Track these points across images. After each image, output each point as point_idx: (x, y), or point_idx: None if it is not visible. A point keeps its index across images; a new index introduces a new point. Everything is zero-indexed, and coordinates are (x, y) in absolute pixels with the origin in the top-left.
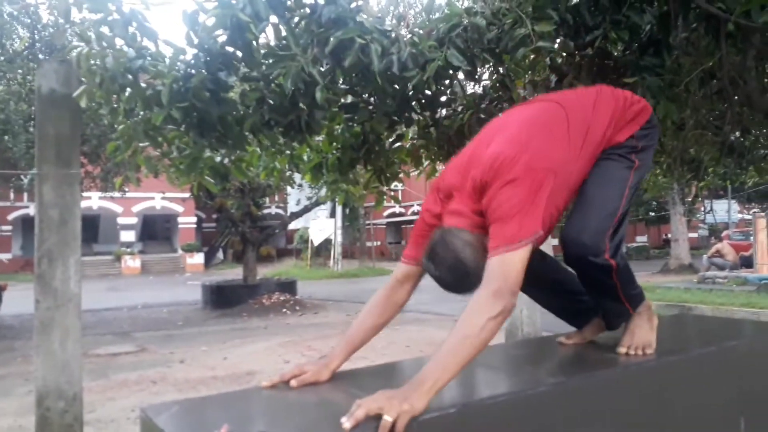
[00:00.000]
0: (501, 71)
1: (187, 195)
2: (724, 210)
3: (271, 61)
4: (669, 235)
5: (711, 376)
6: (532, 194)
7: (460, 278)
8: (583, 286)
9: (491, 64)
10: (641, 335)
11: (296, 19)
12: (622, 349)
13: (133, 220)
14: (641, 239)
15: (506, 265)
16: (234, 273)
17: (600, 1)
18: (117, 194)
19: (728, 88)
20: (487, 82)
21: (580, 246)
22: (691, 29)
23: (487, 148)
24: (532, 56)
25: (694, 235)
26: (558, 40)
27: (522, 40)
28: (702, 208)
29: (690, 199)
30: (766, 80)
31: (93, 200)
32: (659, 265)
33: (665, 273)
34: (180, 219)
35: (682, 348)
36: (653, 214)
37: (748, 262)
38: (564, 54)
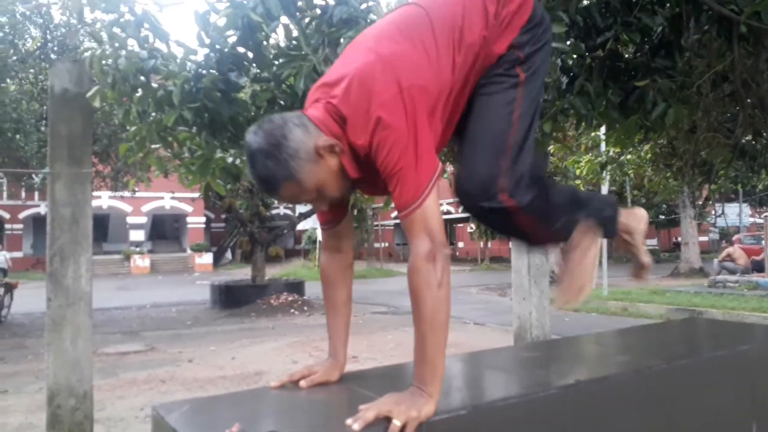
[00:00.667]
0: None
1: (196, 195)
2: (735, 213)
3: (282, 61)
4: (679, 239)
5: (723, 380)
6: (411, 128)
7: (274, 163)
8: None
9: None
10: (579, 275)
11: (307, 20)
12: (562, 299)
13: (143, 220)
14: (651, 242)
15: (422, 221)
16: (242, 273)
17: (611, 3)
18: (127, 193)
19: (740, 90)
20: None
21: (467, 195)
22: (703, 31)
23: (346, 68)
24: None
25: (705, 238)
26: (569, 42)
27: None
28: (713, 212)
29: (701, 203)
30: None
31: (103, 199)
32: (669, 268)
33: (675, 276)
34: (189, 219)
35: (694, 352)
36: (663, 217)
37: (759, 267)
38: (575, 56)
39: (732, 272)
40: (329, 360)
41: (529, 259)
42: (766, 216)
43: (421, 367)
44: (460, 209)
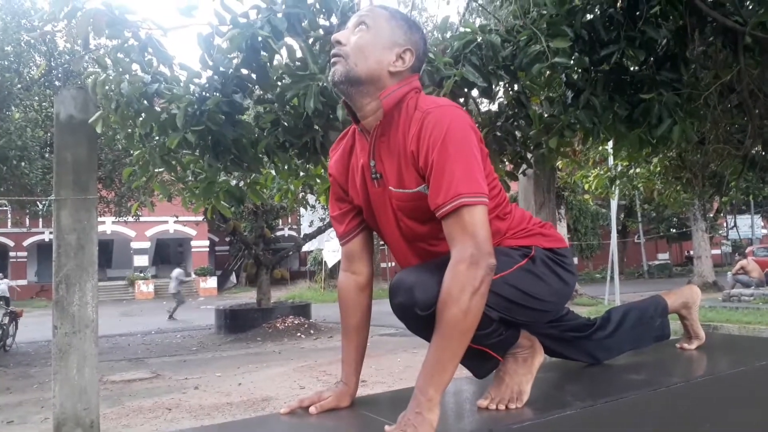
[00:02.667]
0: (516, 88)
1: (200, 218)
2: (747, 225)
3: (287, 81)
4: (691, 252)
5: (741, 397)
6: (469, 155)
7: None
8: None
9: (507, 81)
10: (511, 384)
11: (310, 41)
12: (483, 402)
13: (146, 245)
14: (663, 257)
15: (471, 223)
16: (248, 296)
17: (615, 17)
18: (130, 218)
19: (748, 101)
20: (503, 99)
21: (409, 299)
22: (708, 43)
23: None
24: (547, 73)
25: (717, 251)
26: (573, 57)
27: (537, 56)
28: (724, 224)
29: (712, 215)
30: None
31: (107, 225)
32: (682, 283)
33: None
34: (193, 242)
35: (712, 369)
36: (674, 230)
37: None
38: (579, 70)
39: (746, 285)
40: (340, 385)
41: None
42: None
43: (431, 372)
44: None
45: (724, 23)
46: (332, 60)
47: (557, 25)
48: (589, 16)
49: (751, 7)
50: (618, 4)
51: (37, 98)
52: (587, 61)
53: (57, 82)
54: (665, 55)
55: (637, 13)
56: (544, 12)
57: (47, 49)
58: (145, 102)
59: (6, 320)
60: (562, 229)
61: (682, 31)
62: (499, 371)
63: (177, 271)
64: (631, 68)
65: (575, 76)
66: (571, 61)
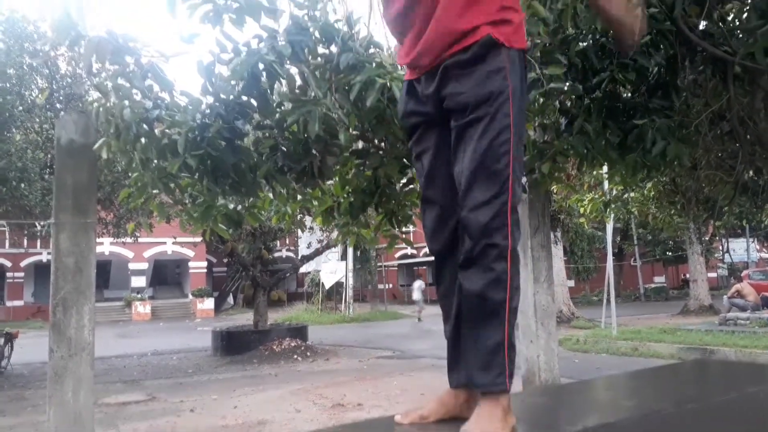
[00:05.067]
0: None
1: (198, 239)
2: (742, 249)
3: (288, 106)
4: (687, 275)
5: (734, 423)
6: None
7: None
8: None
9: None
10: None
11: (311, 68)
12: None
13: (144, 266)
14: (659, 279)
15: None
16: (245, 318)
17: (607, 46)
18: (128, 239)
19: (738, 128)
20: None
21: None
22: (698, 71)
23: None
24: (541, 99)
25: (713, 275)
26: (567, 84)
27: (533, 83)
28: (720, 247)
29: (707, 238)
30: None
31: (104, 246)
32: (679, 306)
33: (685, 314)
34: (191, 264)
35: (704, 395)
36: (670, 253)
37: None
38: (573, 96)
39: (742, 309)
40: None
41: (535, 300)
42: None
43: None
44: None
45: (714, 53)
46: None
47: (551, 53)
48: (582, 45)
49: (741, 35)
50: (610, 33)
51: (38, 120)
52: (581, 89)
53: (58, 105)
54: (657, 82)
55: None
56: (538, 41)
57: (49, 71)
58: (146, 127)
59: (1, 341)
60: (558, 251)
61: (673, 59)
62: (481, 410)
63: (418, 283)
64: (624, 95)
65: (569, 103)
66: (565, 87)
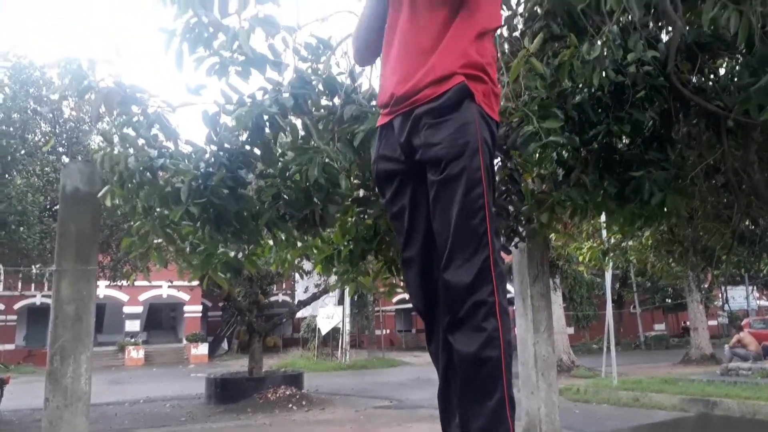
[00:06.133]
0: (509, 165)
1: (194, 283)
2: (742, 296)
3: (291, 155)
4: (687, 323)
5: None
6: None
7: None
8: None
9: (500, 159)
10: None
11: (314, 119)
12: None
13: (139, 309)
14: (659, 327)
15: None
16: (239, 364)
17: (603, 99)
18: (124, 282)
19: (732, 180)
20: (496, 176)
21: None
22: (692, 125)
23: None
24: (539, 151)
25: (714, 322)
26: (564, 136)
27: (531, 136)
28: (719, 295)
29: (706, 286)
30: None
31: (100, 289)
32: (679, 354)
33: (686, 364)
34: (186, 308)
35: None
36: (670, 301)
37: None
38: (570, 148)
39: (744, 359)
40: None
41: (536, 350)
42: None
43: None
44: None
45: (707, 107)
46: None
47: (548, 107)
48: (578, 98)
49: (733, 89)
50: (605, 89)
51: (39, 164)
52: (578, 141)
53: (60, 148)
54: (652, 135)
55: (624, 96)
56: (536, 95)
57: (53, 116)
58: (149, 175)
59: None
60: (557, 298)
61: (667, 113)
62: None
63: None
64: (620, 146)
65: (566, 154)
66: (563, 140)
